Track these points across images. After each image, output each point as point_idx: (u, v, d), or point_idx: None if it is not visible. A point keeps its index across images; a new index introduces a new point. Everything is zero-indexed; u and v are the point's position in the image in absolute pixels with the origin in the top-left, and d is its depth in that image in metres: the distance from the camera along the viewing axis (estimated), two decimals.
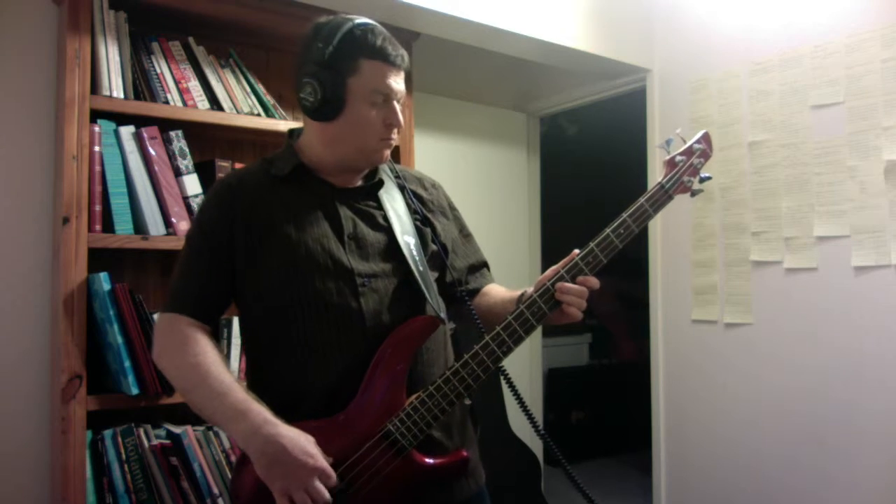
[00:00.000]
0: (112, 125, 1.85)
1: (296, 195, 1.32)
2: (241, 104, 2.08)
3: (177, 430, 1.88)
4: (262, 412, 1.17)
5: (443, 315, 1.33)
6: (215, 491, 1.88)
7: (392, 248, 1.32)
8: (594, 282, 1.28)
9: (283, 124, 2.16)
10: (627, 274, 4.36)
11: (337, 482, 1.16)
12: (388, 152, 1.35)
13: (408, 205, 1.40)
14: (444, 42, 2.52)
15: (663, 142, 1.38)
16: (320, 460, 1.15)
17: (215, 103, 2.04)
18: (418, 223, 1.39)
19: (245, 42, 2.27)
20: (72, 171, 1.75)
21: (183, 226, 1.92)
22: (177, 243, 1.90)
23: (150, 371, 1.78)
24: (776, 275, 2.50)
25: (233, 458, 1.95)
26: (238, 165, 2.11)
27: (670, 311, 2.86)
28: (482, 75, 3.27)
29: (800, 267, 2.43)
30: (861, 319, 2.26)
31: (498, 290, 1.49)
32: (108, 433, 1.78)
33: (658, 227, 2.93)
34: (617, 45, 2.85)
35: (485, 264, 1.53)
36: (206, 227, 1.33)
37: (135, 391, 1.76)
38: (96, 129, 1.81)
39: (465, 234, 1.52)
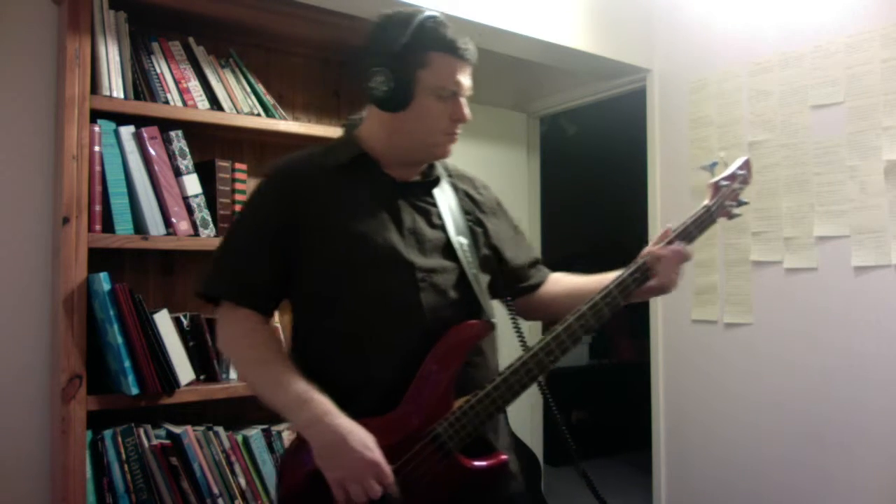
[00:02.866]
0: (112, 125, 1.85)
1: (355, 185, 1.30)
2: (241, 104, 2.08)
3: (177, 430, 1.88)
4: (324, 402, 1.18)
5: (494, 319, 1.32)
6: (215, 491, 1.88)
7: (447, 247, 1.31)
8: (687, 253, 1.34)
9: (283, 124, 2.16)
10: None
11: (393, 487, 1.16)
12: (451, 147, 1.34)
13: (461, 205, 1.39)
14: None
15: (707, 164, 1.41)
16: (377, 455, 1.15)
17: (215, 103, 2.04)
18: (471, 224, 1.38)
19: (245, 42, 2.27)
20: (72, 171, 1.75)
21: (183, 226, 1.92)
22: (177, 243, 1.91)
23: (149, 371, 1.78)
24: (776, 275, 2.50)
25: (233, 459, 1.95)
26: (238, 165, 2.11)
27: (670, 311, 2.86)
28: (482, 75, 3.25)
29: (800, 267, 2.43)
30: (861, 319, 2.26)
31: (569, 278, 1.49)
32: (108, 433, 1.78)
33: (658, 226, 2.93)
34: (617, 45, 2.85)
35: (539, 259, 1.52)
36: (261, 216, 1.31)
37: (135, 391, 1.76)
38: (96, 129, 1.81)
39: (517, 231, 1.51)
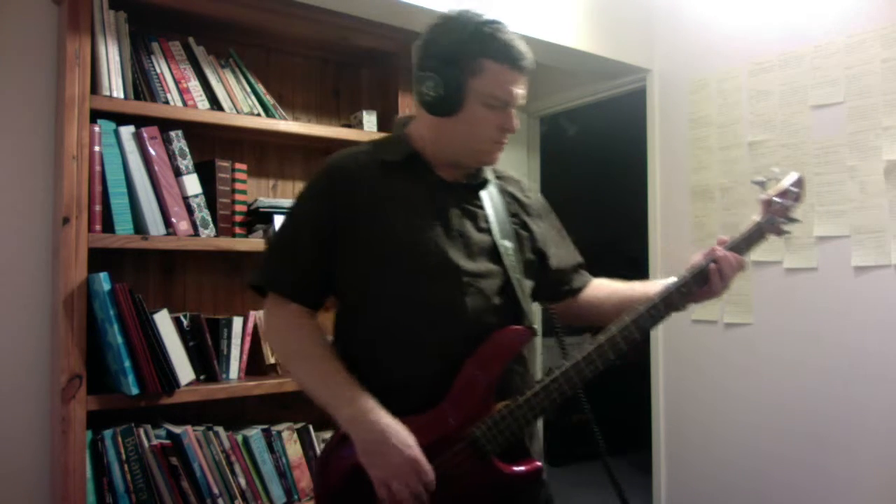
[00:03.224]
0: (112, 125, 1.85)
1: (405, 184, 1.30)
2: (241, 104, 2.08)
3: (177, 430, 1.88)
4: (368, 399, 1.19)
5: (536, 326, 1.32)
6: (215, 491, 1.88)
7: (493, 251, 1.30)
8: (744, 263, 1.34)
9: (283, 124, 2.16)
10: (627, 273, 4.36)
11: (433, 484, 1.17)
12: (498, 155, 1.33)
13: (507, 207, 1.38)
14: None
15: (760, 179, 1.40)
16: (418, 453, 1.16)
17: (215, 103, 2.04)
18: (517, 228, 1.37)
19: (245, 42, 2.27)
20: (72, 171, 1.75)
21: (183, 226, 1.92)
22: (177, 243, 1.91)
23: (149, 371, 1.78)
24: (776, 275, 2.49)
25: (233, 459, 1.95)
26: (238, 165, 2.11)
27: None
28: None
29: (800, 267, 2.43)
30: (861, 319, 2.26)
31: (613, 284, 1.48)
32: (108, 433, 1.78)
33: (658, 226, 2.93)
34: (617, 45, 2.85)
35: (583, 264, 1.52)
36: (313, 208, 1.31)
37: (135, 391, 1.75)
38: (96, 129, 1.81)
39: (562, 234, 1.50)
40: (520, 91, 1.27)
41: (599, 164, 5.20)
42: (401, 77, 2.42)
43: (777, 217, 1.37)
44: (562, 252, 1.46)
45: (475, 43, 1.23)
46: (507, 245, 1.31)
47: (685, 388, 2.80)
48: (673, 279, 1.33)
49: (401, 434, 1.16)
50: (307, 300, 1.30)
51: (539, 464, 1.28)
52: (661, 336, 2.90)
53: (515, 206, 1.40)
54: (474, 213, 1.33)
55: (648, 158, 2.98)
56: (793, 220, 1.38)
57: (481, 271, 1.28)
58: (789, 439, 2.43)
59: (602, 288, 1.49)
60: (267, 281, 1.32)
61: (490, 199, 1.35)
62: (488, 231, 1.31)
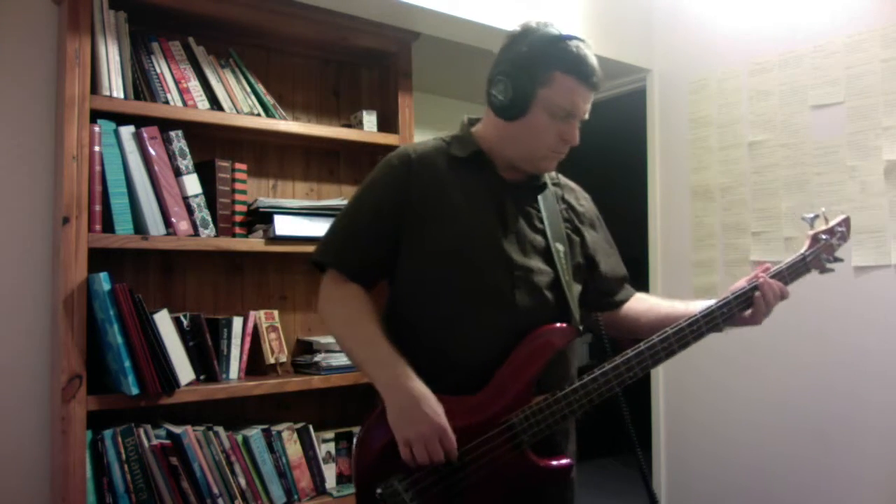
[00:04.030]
0: (112, 125, 1.85)
1: (469, 179, 1.35)
2: (241, 104, 2.08)
3: (177, 430, 1.88)
4: (407, 368, 1.23)
5: (581, 327, 1.35)
6: (215, 491, 1.88)
7: (545, 252, 1.35)
8: (787, 292, 1.38)
9: (283, 124, 2.16)
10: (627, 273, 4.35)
11: (454, 453, 1.21)
12: (554, 164, 1.39)
13: (562, 212, 1.43)
14: (444, 42, 2.52)
15: (809, 216, 1.46)
16: (444, 420, 1.20)
17: (215, 103, 2.04)
18: (569, 232, 1.42)
19: (245, 42, 2.27)
20: (72, 171, 1.75)
21: (183, 226, 1.92)
22: (177, 243, 1.91)
23: (149, 371, 1.78)
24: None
25: (233, 459, 1.95)
26: (238, 165, 2.11)
27: None
28: (482, 75, 3.26)
29: None
30: (861, 319, 2.26)
31: (654, 300, 1.52)
32: (108, 433, 1.78)
33: (658, 227, 2.93)
34: (617, 45, 2.85)
35: (628, 277, 1.56)
36: (380, 194, 1.35)
37: (135, 391, 1.75)
38: (96, 129, 1.81)
39: (612, 246, 1.54)
40: (585, 106, 1.34)
41: (599, 164, 5.19)
42: (401, 77, 2.42)
43: (823, 253, 1.43)
44: (611, 262, 1.50)
45: (549, 54, 1.30)
46: (559, 247, 1.37)
47: (685, 388, 2.80)
48: (714, 301, 1.36)
49: (432, 403, 1.21)
50: (365, 280, 1.35)
51: (570, 461, 1.31)
52: None
53: (570, 213, 1.45)
54: (531, 213, 1.38)
55: (648, 158, 2.98)
56: (837, 260, 1.45)
57: (532, 268, 1.33)
58: (789, 439, 2.43)
59: (643, 302, 1.53)
60: (329, 259, 1.36)
61: (546, 202, 1.41)
62: (542, 232, 1.37)
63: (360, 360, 1.29)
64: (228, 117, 2.05)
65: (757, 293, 1.34)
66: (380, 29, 2.34)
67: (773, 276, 1.38)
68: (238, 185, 2.10)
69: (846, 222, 1.46)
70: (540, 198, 1.40)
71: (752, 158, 2.57)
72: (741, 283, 1.37)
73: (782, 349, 2.46)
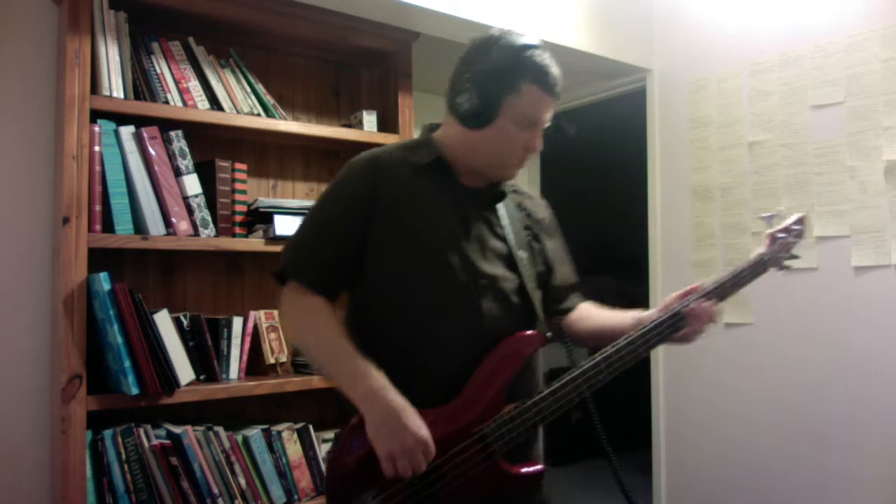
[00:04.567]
0: (112, 125, 1.85)
1: (431, 186, 1.34)
2: (241, 104, 2.08)
3: (177, 430, 1.88)
4: (382, 378, 1.21)
5: (549, 334, 1.36)
6: (215, 491, 1.88)
7: (508, 258, 1.35)
8: (719, 311, 1.38)
9: (283, 124, 2.16)
10: (627, 274, 4.36)
11: (432, 462, 1.19)
12: (517, 171, 1.40)
13: (522, 220, 1.43)
14: (444, 42, 2.52)
15: (766, 215, 1.53)
16: (427, 432, 1.18)
17: (215, 103, 2.04)
18: (529, 240, 1.42)
19: (245, 42, 2.27)
20: (72, 171, 1.75)
21: (183, 226, 1.92)
22: (177, 243, 1.91)
23: (149, 371, 1.78)
24: (776, 275, 2.48)
25: (233, 459, 1.95)
26: (238, 165, 2.11)
27: None
28: None
29: (800, 267, 2.41)
30: (861, 319, 2.26)
31: (598, 310, 1.52)
32: (108, 433, 1.78)
33: (658, 227, 2.93)
34: (617, 45, 2.85)
35: (577, 285, 1.56)
36: (344, 202, 1.33)
37: (135, 391, 1.75)
38: (96, 129, 1.81)
39: (565, 254, 1.55)
40: (548, 115, 1.35)
41: (599, 164, 5.20)
42: (401, 77, 2.42)
43: (780, 252, 1.47)
44: (565, 271, 1.51)
45: (515, 64, 1.29)
46: (522, 255, 1.37)
47: (685, 388, 2.80)
48: (653, 313, 1.37)
49: (410, 412, 1.19)
50: (330, 291, 1.32)
51: (542, 466, 1.31)
52: None
53: (529, 220, 1.45)
54: (490, 220, 1.38)
55: (648, 158, 2.98)
56: (793, 257, 1.49)
57: (497, 275, 1.32)
58: (789, 439, 2.43)
59: (590, 311, 1.54)
60: (290, 270, 1.34)
61: (506, 209, 1.41)
62: (504, 239, 1.37)
63: (335, 373, 1.26)
64: (228, 117, 2.05)
65: (685, 322, 1.35)
66: (380, 29, 2.35)
67: (733, 279, 1.40)
68: (238, 185, 2.10)
69: (802, 220, 1.50)
70: (500, 205, 1.40)
71: (752, 158, 2.57)
72: (672, 298, 1.38)
73: (782, 349, 2.46)
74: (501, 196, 1.41)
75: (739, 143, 2.61)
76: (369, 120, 2.37)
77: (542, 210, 1.52)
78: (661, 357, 2.90)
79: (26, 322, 1.86)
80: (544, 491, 1.38)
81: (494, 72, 1.29)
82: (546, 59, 1.33)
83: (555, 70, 1.33)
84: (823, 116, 2.37)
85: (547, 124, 1.35)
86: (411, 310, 1.29)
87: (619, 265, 4.82)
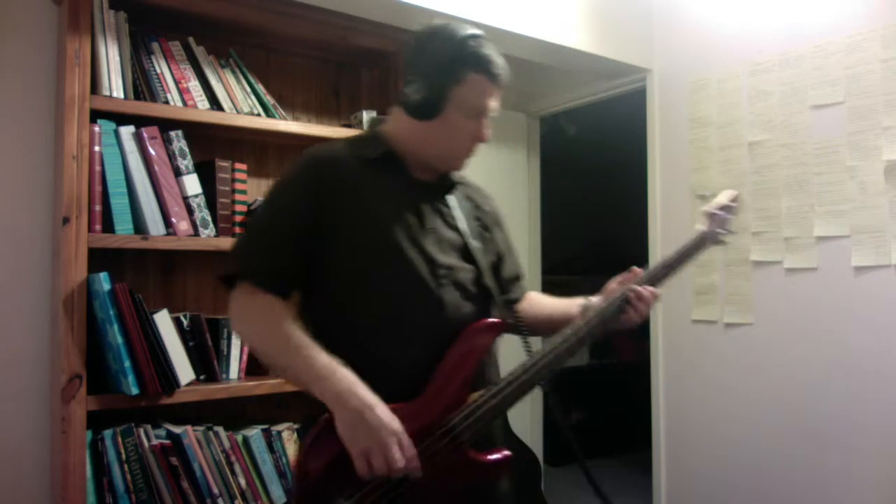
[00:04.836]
0: (112, 125, 1.85)
1: (381, 180, 1.33)
2: (241, 104, 2.08)
3: (177, 430, 1.88)
4: (350, 375, 1.19)
5: (510, 320, 1.37)
6: (215, 491, 1.88)
7: (463, 249, 1.37)
8: (658, 293, 1.43)
9: (283, 124, 2.16)
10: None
11: (415, 460, 1.18)
12: (466, 162, 1.40)
13: (472, 211, 1.45)
14: None
15: (704, 193, 1.61)
16: (399, 425, 1.17)
17: (215, 103, 2.04)
18: (481, 230, 1.45)
19: (245, 42, 2.27)
20: (72, 171, 1.75)
21: (183, 226, 1.92)
22: (177, 243, 1.91)
23: (149, 371, 1.78)
24: (776, 275, 2.50)
25: (233, 459, 1.95)
26: (238, 165, 2.11)
27: (670, 311, 2.86)
28: None
29: (800, 267, 2.43)
30: (861, 319, 2.26)
31: (546, 298, 1.56)
32: (108, 433, 1.78)
33: (658, 227, 2.93)
34: (617, 45, 2.85)
35: (522, 276, 1.58)
36: (291, 201, 1.31)
37: (135, 391, 1.76)
38: (96, 129, 1.81)
39: (510, 246, 1.56)
40: (495, 104, 1.35)
41: (599, 164, 5.20)
42: (401, 77, 2.40)
43: (717, 227, 1.53)
44: (511, 262, 1.54)
45: (460, 54, 1.30)
46: (476, 244, 1.39)
47: (685, 388, 2.80)
48: (596, 300, 1.42)
49: (384, 408, 1.17)
50: (280, 290, 1.28)
51: (509, 453, 1.32)
52: (661, 336, 2.91)
53: (478, 212, 1.47)
54: (443, 211, 1.39)
55: (648, 158, 2.98)
56: (730, 232, 1.56)
57: (454, 266, 1.34)
58: (790, 439, 2.43)
59: (537, 301, 1.58)
60: (240, 271, 1.29)
61: (456, 201, 1.42)
62: (458, 230, 1.39)
63: (299, 373, 1.21)
64: (228, 117, 2.05)
65: (629, 305, 1.39)
66: (380, 29, 2.35)
67: (678, 257, 1.46)
68: (238, 185, 2.10)
69: (735, 198, 1.58)
70: (451, 197, 1.42)
71: (752, 158, 2.57)
72: (613, 285, 1.43)
73: (782, 349, 2.46)
74: (452, 187, 1.43)
75: (739, 143, 2.61)
76: (369, 120, 2.37)
77: (488, 202, 1.54)
78: (661, 357, 2.90)
79: (26, 322, 1.86)
80: (507, 480, 1.39)
81: (439, 63, 1.30)
82: (490, 47, 1.34)
83: (499, 58, 1.34)
84: (823, 116, 2.37)
85: (494, 113, 1.36)
86: (372, 305, 1.28)
87: (619, 265, 4.82)
